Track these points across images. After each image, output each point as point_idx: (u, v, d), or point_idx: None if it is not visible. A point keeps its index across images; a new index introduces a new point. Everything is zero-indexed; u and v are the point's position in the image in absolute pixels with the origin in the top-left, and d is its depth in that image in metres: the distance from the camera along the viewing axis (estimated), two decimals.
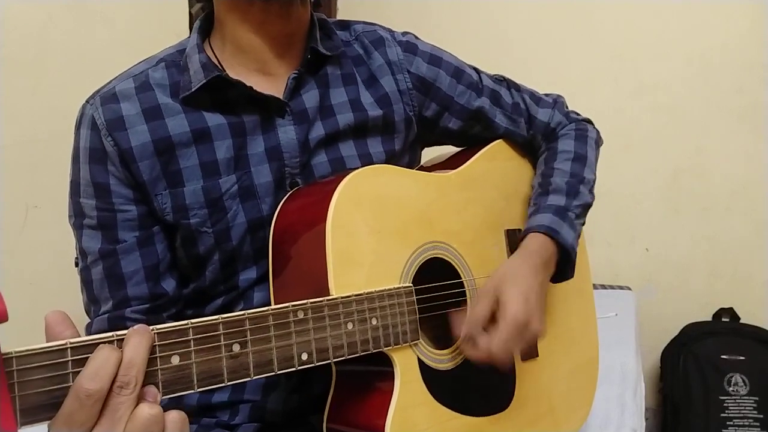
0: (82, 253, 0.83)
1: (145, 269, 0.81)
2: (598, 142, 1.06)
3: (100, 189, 0.80)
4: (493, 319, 0.79)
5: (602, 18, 2.20)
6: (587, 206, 0.96)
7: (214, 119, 0.82)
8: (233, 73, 0.83)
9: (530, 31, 2.27)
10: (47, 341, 0.50)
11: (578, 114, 1.08)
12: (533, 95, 1.05)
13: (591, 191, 0.98)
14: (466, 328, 0.79)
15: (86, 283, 0.83)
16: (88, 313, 0.85)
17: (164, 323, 0.55)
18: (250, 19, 0.82)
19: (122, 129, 0.79)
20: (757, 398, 1.92)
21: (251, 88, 0.81)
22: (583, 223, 0.97)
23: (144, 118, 0.80)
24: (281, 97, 0.84)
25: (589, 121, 1.08)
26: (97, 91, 0.83)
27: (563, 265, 0.92)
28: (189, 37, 0.88)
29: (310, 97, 0.86)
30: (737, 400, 1.92)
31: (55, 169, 1.38)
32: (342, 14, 2.43)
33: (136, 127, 0.80)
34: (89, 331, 0.83)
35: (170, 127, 0.80)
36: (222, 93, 0.82)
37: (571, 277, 0.94)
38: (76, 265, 0.85)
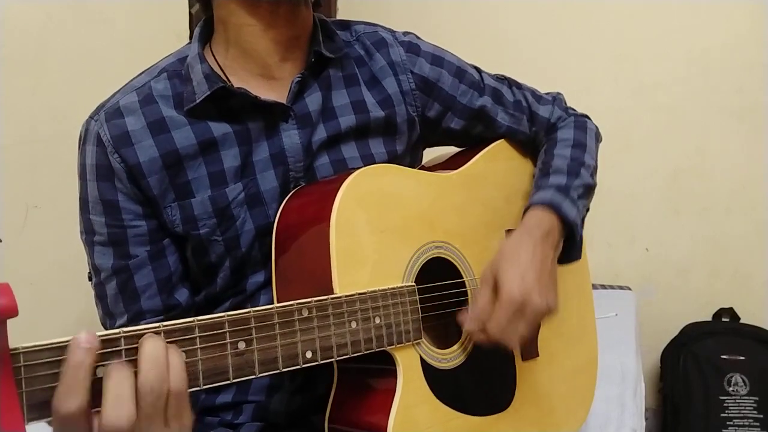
0: (95, 269, 0.83)
1: (158, 282, 0.81)
2: (598, 135, 1.06)
3: (109, 206, 0.80)
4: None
5: (602, 18, 2.19)
6: (589, 187, 0.95)
7: (219, 129, 0.81)
8: (236, 78, 0.83)
9: (530, 31, 2.27)
10: None
11: (576, 110, 1.08)
12: (534, 93, 1.05)
13: (592, 175, 0.97)
14: (471, 315, 0.78)
15: (101, 298, 0.83)
16: (104, 326, 0.85)
17: None
18: (256, 22, 0.81)
19: (129, 145, 0.78)
20: (757, 398, 1.91)
21: (256, 97, 0.80)
22: (587, 208, 0.96)
23: (150, 133, 0.79)
24: (285, 102, 0.83)
25: (587, 117, 1.08)
26: (101, 106, 0.82)
27: (568, 242, 0.90)
28: (189, 44, 0.87)
29: (313, 100, 0.86)
30: (737, 400, 1.92)
31: (55, 169, 1.38)
32: (342, 14, 2.43)
33: (142, 142, 0.79)
34: None
35: (177, 139, 0.80)
36: (226, 102, 0.81)
37: (578, 258, 0.93)
38: (90, 279, 0.85)
